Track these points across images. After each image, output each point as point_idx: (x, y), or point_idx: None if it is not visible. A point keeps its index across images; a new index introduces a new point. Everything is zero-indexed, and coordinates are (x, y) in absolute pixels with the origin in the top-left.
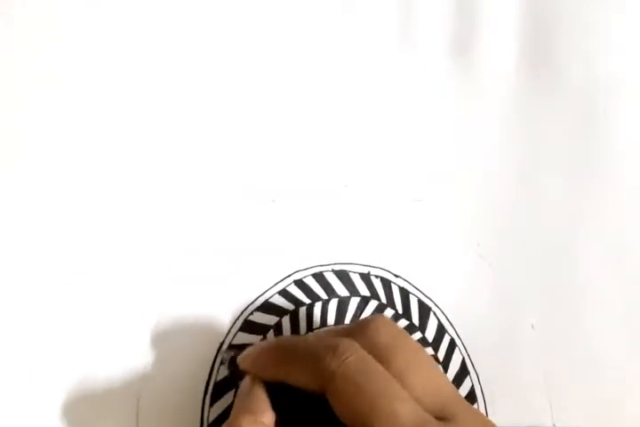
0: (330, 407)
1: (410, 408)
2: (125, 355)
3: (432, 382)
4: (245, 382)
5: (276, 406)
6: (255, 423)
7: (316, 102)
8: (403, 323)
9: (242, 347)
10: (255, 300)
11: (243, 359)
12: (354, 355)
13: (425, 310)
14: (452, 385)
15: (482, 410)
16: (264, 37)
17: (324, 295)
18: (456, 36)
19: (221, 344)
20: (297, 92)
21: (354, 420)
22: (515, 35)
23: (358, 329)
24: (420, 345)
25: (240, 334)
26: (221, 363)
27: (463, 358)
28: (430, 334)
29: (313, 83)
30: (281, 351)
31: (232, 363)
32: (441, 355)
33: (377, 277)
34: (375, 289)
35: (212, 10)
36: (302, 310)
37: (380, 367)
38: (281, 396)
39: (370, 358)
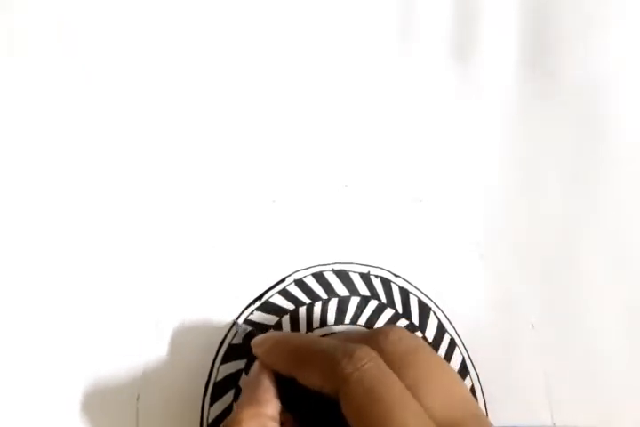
0: (336, 407)
1: (421, 423)
2: (125, 355)
3: (447, 397)
4: (254, 370)
5: (282, 396)
6: (257, 416)
7: (317, 103)
8: (402, 323)
9: (258, 326)
10: (255, 299)
11: (256, 346)
12: (371, 362)
13: (425, 310)
14: (473, 401)
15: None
16: (265, 39)
17: (323, 295)
18: (456, 36)
19: (221, 344)
20: (298, 93)
21: (363, 425)
22: (514, 35)
23: (376, 337)
24: (441, 360)
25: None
26: (235, 333)
27: (463, 358)
28: (430, 333)
29: (313, 84)
30: (296, 348)
31: (247, 337)
32: (441, 355)
33: (377, 276)
34: (375, 289)
35: (212, 10)
36: (302, 310)
37: (395, 377)
38: (289, 386)
39: (386, 366)
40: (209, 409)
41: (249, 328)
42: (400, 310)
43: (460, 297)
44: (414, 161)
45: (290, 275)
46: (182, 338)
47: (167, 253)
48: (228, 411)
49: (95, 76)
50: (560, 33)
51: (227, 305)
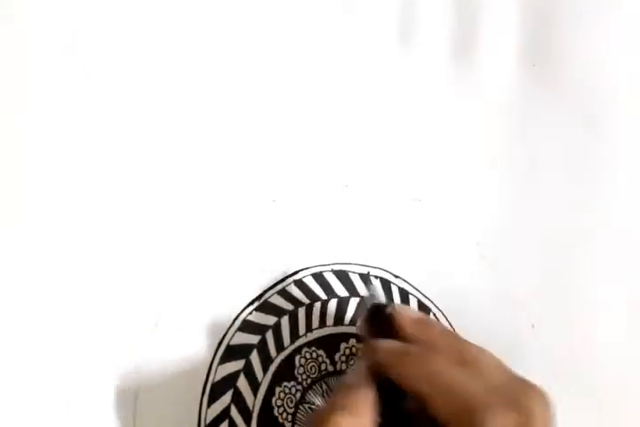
0: None
1: None
2: (124, 354)
3: None
4: (359, 373)
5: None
6: (356, 425)
7: (317, 103)
8: None
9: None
10: (254, 300)
11: (383, 351)
12: None
13: (425, 311)
14: None
15: None
16: (265, 39)
17: (323, 295)
18: (456, 36)
19: (219, 344)
20: (298, 94)
21: None
22: (514, 35)
23: (522, 410)
24: None
25: (238, 333)
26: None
27: None
28: None
29: (314, 84)
30: (437, 373)
31: (373, 309)
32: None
33: (377, 277)
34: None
35: (214, 11)
36: (301, 311)
37: None
38: (387, 400)
39: None
40: (207, 409)
41: (382, 299)
42: None
43: (460, 298)
44: (414, 161)
45: (289, 275)
46: (181, 338)
47: (167, 252)
48: (225, 412)
49: (95, 75)
50: (560, 33)
51: (226, 305)
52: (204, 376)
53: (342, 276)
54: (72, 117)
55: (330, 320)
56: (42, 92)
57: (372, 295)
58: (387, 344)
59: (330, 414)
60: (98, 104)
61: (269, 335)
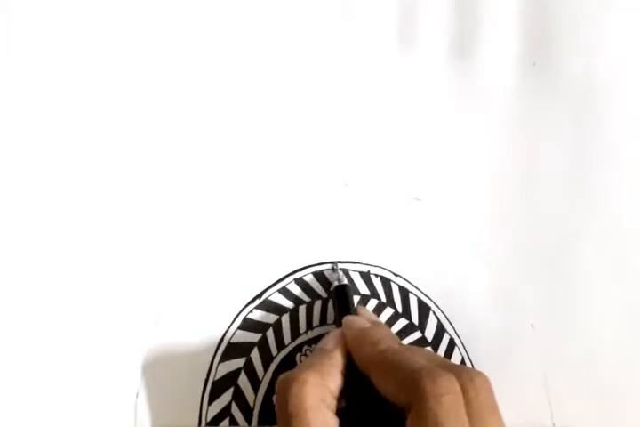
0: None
1: None
2: (124, 352)
3: None
4: (333, 338)
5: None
6: (321, 386)
7: (317, 102)
8: (402, 322)
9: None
10: (255, 298)
11: (348, 327)
12: (452, 395)
13: (424, 310)
14: None
15: None
16: (266, 41)
17: (323, 294)
18: (456, 36)
19: (220, 342)
20: (298, 93)
21: None
22: (514, 35)
23: (461, 374)
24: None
25: (239, 331)
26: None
27: (462, 358)
28: (430, 333)
29: (314, 83)
30: (385, 350)
31: (338, 289)
32: (440, 354)
33: (377, 276)
34: (375, 288)
35: (216, 17)
36: (302, 309)
37: (466, 419)
38: (353, 375)
39: (463, 407)
40: (207, 407)
41: (345, 281)
42: (400, 310)
43: (460, 297)
44: (414, 160)
45: (290, 273)
46: (181, 336)
47: (167, 251)
48: (226, 409)
49: (95, 75)
50: (560, 33)
51: (226, 303)
52: (205, 374)
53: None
54: (78, 117)
55: (330, 318)
56: (41, 93)
57: (338, 279)
58: (356, 323)
59: (298, 372)
60: (103, 102)
61: (270, 333)
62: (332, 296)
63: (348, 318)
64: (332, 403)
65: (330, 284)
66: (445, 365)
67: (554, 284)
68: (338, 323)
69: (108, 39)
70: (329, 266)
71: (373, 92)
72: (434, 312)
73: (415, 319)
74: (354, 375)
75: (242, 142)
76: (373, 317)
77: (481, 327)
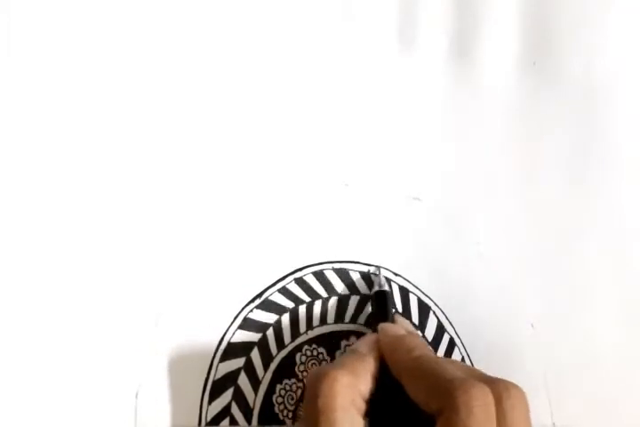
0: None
1: None
2: (124, 351)
3: None
4: (368, 342)
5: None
6: (352, 387)
7: (317, 102)
8: None
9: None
10: (255, 297)
11: (384, 333)
12: (484, 406)
13: (424, 309)
14: None
15: None
16: (267, 41)
17: (324, 293)
18: (456, 36)
19: (220, 342)
20: (298, 93)
21: None
22: (514, 35)
23: (497, 387)
24: None
25: (239, 331)
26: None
27: (462, 358)
28: (430, 333)
29: (314, 83)
30: (420, 357)
31: (378, 294)
32: (440, 354)
33: (377, 275)
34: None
35: (217, 14)
36: (302, 308)
37: None
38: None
39: (494, 418)
40: (207, 407)
41: (386, 287)
42: (400, 309)
43: (460, 297)
44: (414, 160)
45: (290, 273)
46: (181, 336)
47: (167, 251)
48: (226, 409)
49: (95, 76)
50: (560, 33)
51: (226, 303)
52: (205, 374)
53: (343, 274)
54: (79, 117)
55: (330, 318)
56: (41, 93)
57: (380, 284)
58: (392, 330)
59: (330, 369)
60: (103, 103)
61: (270, 333)
62: (370, 300)
63: (384, 325)
64: (362, 406)
65: (333, 284)
66: (482, 377)
67: (554, 284)
68: (373, 328)
69: (108, 39)
70: (372, 269)
71: (373, 92)
72: (434, 312)
73: (415, 319)
74: (385, 381)
75: (242, 143)
76: (410, 327)
77: (481, 327)
